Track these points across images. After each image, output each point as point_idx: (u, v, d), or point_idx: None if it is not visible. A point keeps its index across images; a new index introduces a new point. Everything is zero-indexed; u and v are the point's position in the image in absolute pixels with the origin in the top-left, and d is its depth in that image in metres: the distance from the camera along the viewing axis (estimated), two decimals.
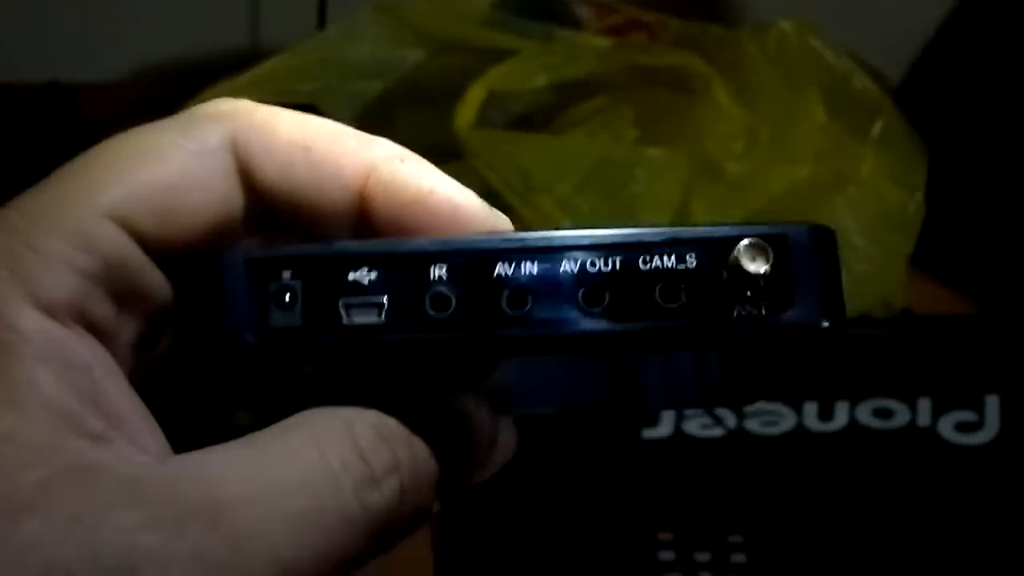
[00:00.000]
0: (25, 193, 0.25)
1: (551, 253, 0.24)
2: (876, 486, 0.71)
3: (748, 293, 0.24)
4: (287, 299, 0.24)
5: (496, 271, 0.24)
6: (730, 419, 0.70)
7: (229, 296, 0.24)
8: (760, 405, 0.70)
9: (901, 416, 0.71)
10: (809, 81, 0.72)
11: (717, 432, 0.69)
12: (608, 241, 0.24)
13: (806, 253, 0.24)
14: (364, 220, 0.26)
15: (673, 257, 0.24)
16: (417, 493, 0.25)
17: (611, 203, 0.67)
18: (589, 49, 0.73)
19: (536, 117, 0.73)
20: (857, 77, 0.74)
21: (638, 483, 0.70)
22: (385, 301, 0.24)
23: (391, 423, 0.25)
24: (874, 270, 0.73)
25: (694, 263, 0.24)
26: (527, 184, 0.67)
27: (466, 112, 0.69)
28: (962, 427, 0.71)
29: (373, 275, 0.24)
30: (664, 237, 0.24)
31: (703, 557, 0.69)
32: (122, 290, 0.25)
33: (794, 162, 0.71)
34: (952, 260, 0.82)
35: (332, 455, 0.23)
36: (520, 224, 0.69)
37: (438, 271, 0.24)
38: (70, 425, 0.23)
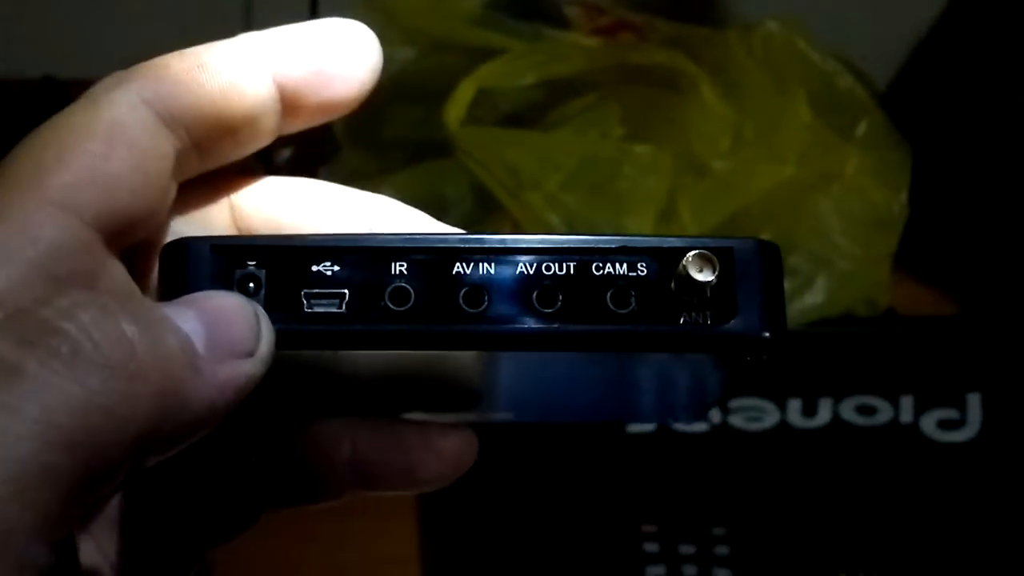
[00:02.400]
0: None
1: (508, 255, 0.25)
2: (859, 482, 0.72)
3: (695, 301, 0.25)
4: (251, 286, 0.25)
5: (455, 269, 0.25)
6: (715, 414, 0.70)
7: (194, 280, 0.25)
8: (744, 401, 0.70)
9: (884, 413, 0.72)
10: (795, 81, 0.72)
11: (702, 427, 0.70)
12: (562, 246, 0.25)
13: (751, 266, 0.25)
14: (287, 108, 0.28)
15: (625, 265, 0.25)
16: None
17: (598, 199, 0.68)
18: (577, 48, 0.73)
19: (525, 114, 0.74)
20: (842, 78, 0.74)
21: (623, 476, 0.70)
22: (347, 293, 0.25)
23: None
24: (858, 269, 0.73)
25: (644, 271, 0.25)
26: (516, 180, 0.68)
27: (456, 109, 0.69)
28: (944, 424, 0.72)
29: (336, 268, 0.25)
30: (616, 245, 0.25)
31: (687, 549, 0.69)
32: (72, 277, 0.25)
33: (779, 161, 0.71)
34: (935, 260, 0.83)
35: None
36: (511, 220, 0.70)
37: (399, 267, 0.25)
38: None
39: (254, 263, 0.25)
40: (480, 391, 0.31)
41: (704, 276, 0.24)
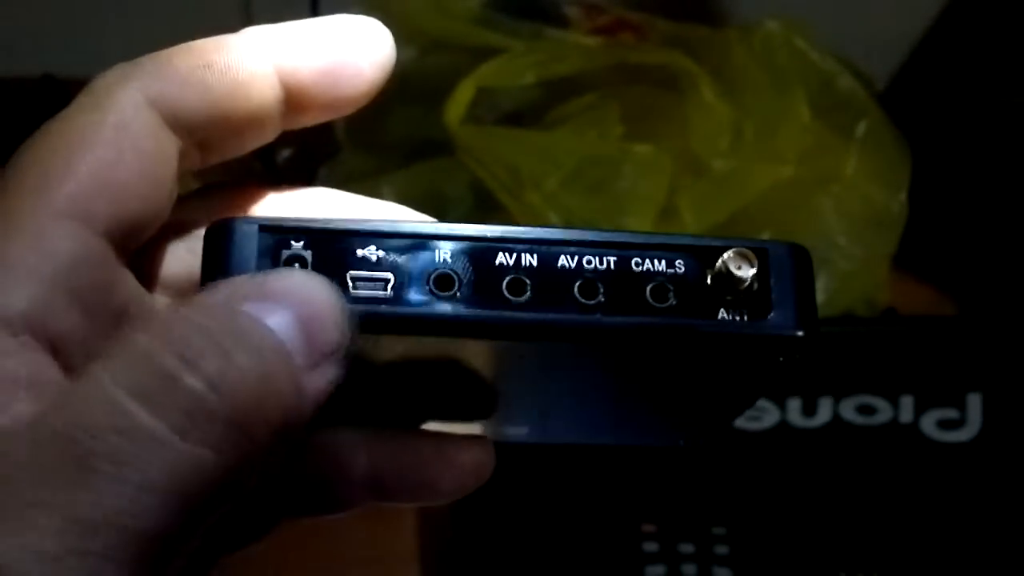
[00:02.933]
0: None
1: (549, 246, 0.25)
2: (858, 481, 0.72)
3: (731, 299, 0.25)
4: (296, 267, 0.25)
5: (498, 260, 0.25)
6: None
7: (240, 259, 0.25)
8: None
9: (884, 413, 0.72)
10: (794, 81, 0.72)
11: None
12: (603, 240, 0.26)
13: (785, 267, 0.26)
14: (293, 106, 0.27)
15: (664, 261, 0.25)
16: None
17: (598, 199, 0.68)
18: (577, 47, 0.73)
19: (525, 114, 0.74)
20: (842, 78, 0.74)
21: (623, 475, 0.70)
22: (392, 277, 0.25)
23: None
24: (858, 269, 0.73)
25: (682, 268, 0.25)
26: (516, 179, 0.68)
27: (456, 108, 0.69)
28: (944, 424, 0.72)
29: (381, 252, 0.25)
30: (655, 241, 0.26)
31: (687, 548, 0.69)
32: (89, 290, 0.25)
33: (779, 161, 0.71)
34: (935, 260, 0.83)
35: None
36: (510, 220, 0.70)
37: (443, 255, 0.25)
38: None
39: (301, 244, 0.25)
40: (497, 400, 0.31)
41: (743, 272, 0.25)
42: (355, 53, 0.27)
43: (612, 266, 0.25)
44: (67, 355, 0.24)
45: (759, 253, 0.25)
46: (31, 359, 0.24)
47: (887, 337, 0.73)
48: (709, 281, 0.25)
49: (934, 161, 0.79)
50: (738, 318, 0.25)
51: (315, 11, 0.84)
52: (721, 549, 0.69)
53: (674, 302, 0.25)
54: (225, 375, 0.21)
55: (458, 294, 0.25)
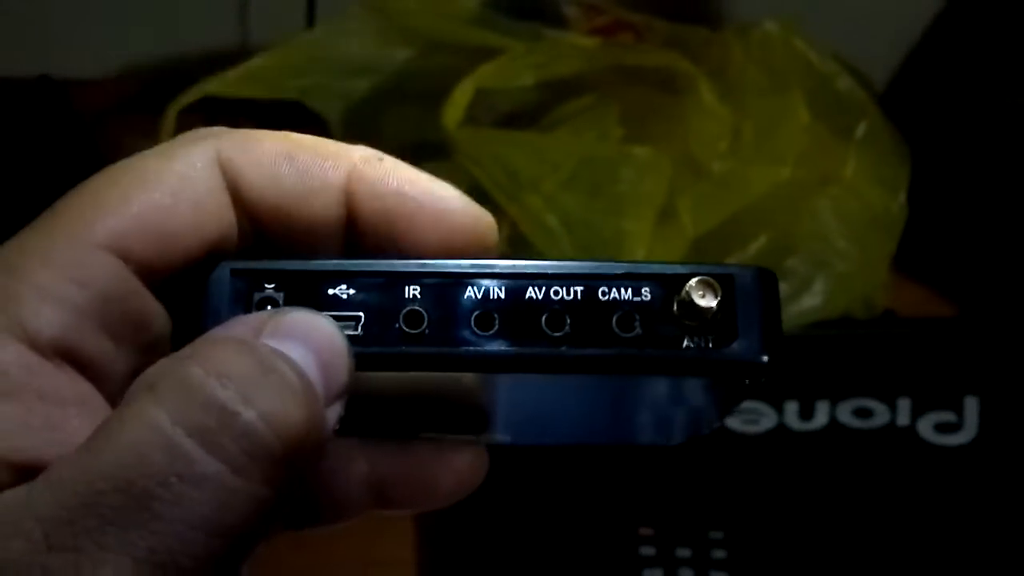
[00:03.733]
0: (23, 230, 0.25)
1: (517, 280, 0.26)
2: (856, 485, 0.72)
3: (696, 326, 0.26)
4: (269, 309, 0.25)
5: (467, 293, 0.26)
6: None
7: (214, 303, 0.25)
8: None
9: (881, 416, 0.72)
10: (793, 82, 0.72)
11: None
12: (569, 272, 0.26)
13: (751, 293, 0.26)
14: (352, 227, 0.28)
15: (629, 290, 0.26)
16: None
17: (597, 201, 0.68)
18: (576, 48, 0.73)
19: (523, 115, 0.74)
20: (841, 79, 0.74)
21: (620, 479, 0.70)
22: (362, 316, 0.26)
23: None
24: (856, 271, 0.73)
25: (648, 297, 0.26)
26: (514, 181, 0.68)
27: (454, 110, 0.69)
28: (941, 428, 0.72)
29: (351, 291, 0.26)
30: (622, 271, 0.26)
31: (684, 552, 0.69)
32: (119, 322, 0.25)
33: (778, 162, 0.71)
34: (934, 262, 0.83)
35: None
36: (508, 221, 0.70)
37: (412, 290, 0.26)
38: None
39: (272, 286, 0.26)
40: (483, 413, 0.32)
41: (706, 302, 0.25)
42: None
43: (579, 296, 0.26)
44: (99, 380, 0.25)
45: (725, 280, 0.26)
46: (69, 379, 0.24)
47: (885, 339, 0.73)
48: (675, 309, 0.26)
49: (933, 162, 0.79)
50: (703, 344, 0.26)
51: (312, 9, 0.84)
52: (718, 553, 0.69)
53: (640, 331, 0.26)
54: (277, 415, 0.22)
55: (427, 331, 0.26)
